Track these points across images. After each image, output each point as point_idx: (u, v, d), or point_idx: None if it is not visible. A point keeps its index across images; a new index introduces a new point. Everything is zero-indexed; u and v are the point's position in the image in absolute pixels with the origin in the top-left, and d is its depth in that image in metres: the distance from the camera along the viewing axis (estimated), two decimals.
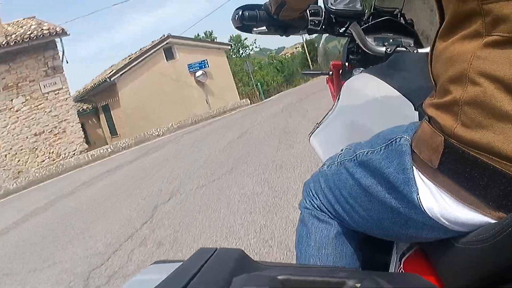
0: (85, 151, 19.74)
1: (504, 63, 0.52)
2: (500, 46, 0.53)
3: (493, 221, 0.57)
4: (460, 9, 0.58)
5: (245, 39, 60.23)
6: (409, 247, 0.86)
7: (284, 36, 1.38)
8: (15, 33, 18.77)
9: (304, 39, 41.35)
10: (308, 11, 1.30)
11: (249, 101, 27.65)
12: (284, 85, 39.37)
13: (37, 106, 19.22)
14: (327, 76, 1.71)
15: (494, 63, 0.53)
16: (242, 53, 61.20)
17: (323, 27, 1.36)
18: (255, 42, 62.40)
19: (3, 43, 17.81)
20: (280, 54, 76.15)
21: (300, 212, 1.02)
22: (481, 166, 0.55)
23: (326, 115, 1.40)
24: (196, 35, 52.66)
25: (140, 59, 26.13)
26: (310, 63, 40.94)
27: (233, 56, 54.65)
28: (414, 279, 0.47)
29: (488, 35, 0.54)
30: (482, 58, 0.55)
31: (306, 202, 0.99)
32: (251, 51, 62.37)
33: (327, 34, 1.54)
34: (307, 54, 41.35)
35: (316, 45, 44.36)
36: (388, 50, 1.33)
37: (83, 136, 20.88)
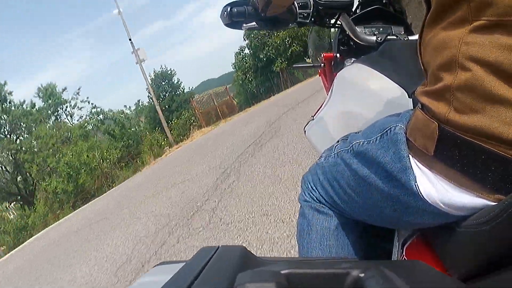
0: None
1: (492, 47, 0.53)
2: (487, 31, 0.53)
3: (492, 204, 0.57)
4: None
5: (64, 89, 31.76)
6: (410, 234, 0.86)
7: (274, 30, 1.37)
8: None
9: (149, 81, 24.86)
10: (296, 4, 1.30)
11: None
12: (122, 165, 21.10)
13: None
14: (320, 68, 1.71)
15: (483, 48, 0.54)
16: (59, 114, 32.00)
17: (312, 19, 1.36)
18: (78, 94, 33.07)
19: None
20: None
21: (300, 205, 1.03)
22: (477, 150, 0.56)
23: (320, 108, 1.40)
24: None
25: None
26: (161, 114, 23.30)
27: (48, 119, 30.46)
28: (417, 266, 0.48)
29: (475, 20, 0.54)
30: (470, 44, 0.55)
31: (305, 195, 0.99)
32: (74, 108, 32.37)
33: (317, 26, 1.54)
34: (154, 99, 24.41)
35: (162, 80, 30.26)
36: (379, 39, 1.33)
37: None
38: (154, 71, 32.12)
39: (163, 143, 21.67)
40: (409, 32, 1.46)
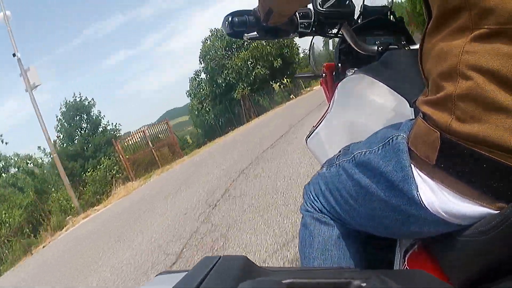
0: None
1: (493, 56, 0.53)
2: (488, 39, 0.54)
3: (494, 212, 0.57)
4: (446, 5, 0.59)
5: None
6: (412, 243, 0.86)
7: (275, 39, 1.38)
8: None
9: (41, 116, 14.39)
10: (297, 13, 1.30)
11: None
12: (26, 232, 13.72)
13: None
14: (321, 78, 1.71)
15: (484, 56, 0.54)
16: None
17: (313, 29, 1.36)
18: None
19: None
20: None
21: (302, 215, 1.02)
22: (479, 158, 0.56)
23: (321, 118, 1.40)
24: None
25: None
26: (60, 166, 14.55)
27: None
28: (419, 275, 0.48)
29: (476, 29, 0.55)
30: (471, 52, 0.55)
31: (307, 205, 0.99)
32: None
33: (318, 36, 1.54)
34: (49, 144, 15.78)
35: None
36: (380, 48, 1.34)
37: None
38: (66, 101, 23.32)
39: (73, 206, 14.59)
40: (410, 41, 1.46)
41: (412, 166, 0.67)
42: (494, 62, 0.53)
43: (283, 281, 0.42)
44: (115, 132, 24.00)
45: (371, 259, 0.99)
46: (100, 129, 23.83)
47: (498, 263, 0.59)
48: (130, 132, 21.20)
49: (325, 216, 0.95)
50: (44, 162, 22.16)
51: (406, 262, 0.85)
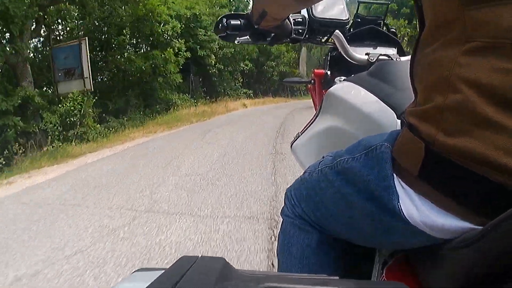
0: None
1: (485, 70, 0.53)
2: (481, 52, 0.53)
3: (475, 227, 0.57)
4: (440, 16, 0.58)
5: None
6: (391, 254, 0.86)
7: (268, 45, 1.37)
8: None
9: None
10: (292, 20, 1.30)
11: None
12: None
13: None
14: (309, 84, 1.72)
15: (475, 70, 0.53)
16: None
17: (307, 36, 1.36)
18: None
19: None
20: None
21: (282, 220, 1.02)
22: (462, 172, 0.55)
23: (308, 124, 1.40)
24: None
25: None
26: None
27: None
28: (394, 287, 0.47)
29: (469, 42, 0.54)
30: (463, 65, 0.55)
31: (288, 210, 0.99)
32: None
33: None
34: None
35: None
36: (371, 59, 1.34)
37: None
38: None
39: None
40: (401, 52, 1.47)
41: (395, 176, 0.67)
42: (485, 76, 0.52)
43: (259, 285, 0.41)
44: None
45: (349, 268, 0.99)
46: None
47: (477, 277, 0.59)
48: None
49: (305, 222, 0.94)
50: None
51: (384, 273, 0.85)
